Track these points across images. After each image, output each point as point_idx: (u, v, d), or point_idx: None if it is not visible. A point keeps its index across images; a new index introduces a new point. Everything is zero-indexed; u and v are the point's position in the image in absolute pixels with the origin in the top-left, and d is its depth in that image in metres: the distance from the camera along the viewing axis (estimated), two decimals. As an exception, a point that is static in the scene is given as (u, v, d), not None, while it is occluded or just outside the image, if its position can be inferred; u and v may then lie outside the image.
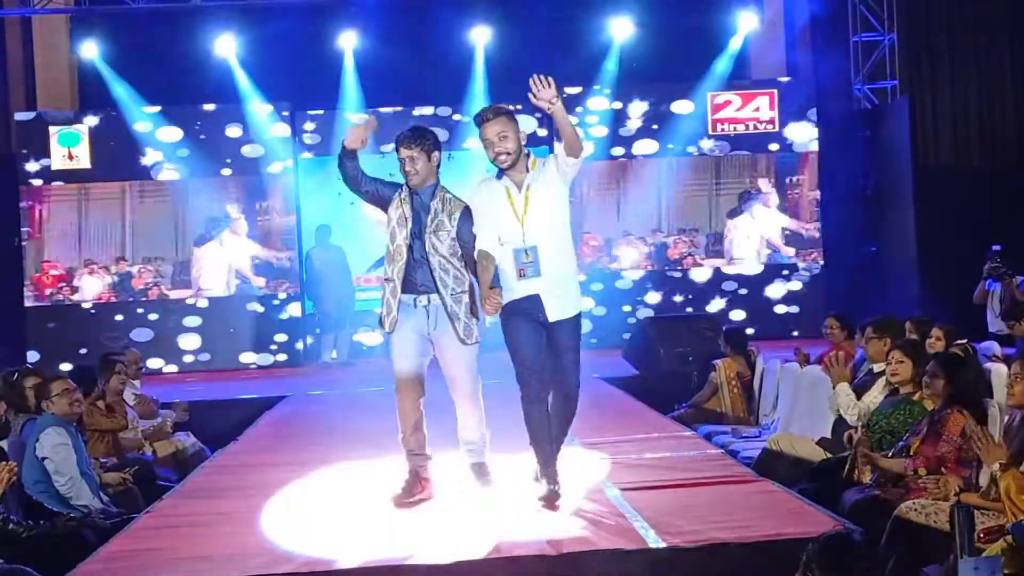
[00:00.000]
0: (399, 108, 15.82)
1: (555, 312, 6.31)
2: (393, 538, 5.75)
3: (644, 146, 16.05)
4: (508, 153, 6.29)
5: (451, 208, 6.59)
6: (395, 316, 6.58)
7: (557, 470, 6.38)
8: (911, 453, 6.41)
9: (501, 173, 6.37)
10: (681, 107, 15.98)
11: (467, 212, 6.55)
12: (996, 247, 12.00)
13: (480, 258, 6.38)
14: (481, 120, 6.35)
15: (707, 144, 16.00)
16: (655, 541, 5.41)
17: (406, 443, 6.69)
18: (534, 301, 6.29)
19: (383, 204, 6.66)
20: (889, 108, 15.78)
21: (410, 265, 6.55)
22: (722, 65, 16.11)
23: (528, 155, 6.40)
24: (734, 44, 16.16)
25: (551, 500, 6.20)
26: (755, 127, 15.97)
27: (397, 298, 6.57)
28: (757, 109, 15.97)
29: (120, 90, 15.68)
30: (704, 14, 16.05)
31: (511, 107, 6.68)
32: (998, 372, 7.47)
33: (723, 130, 15.98)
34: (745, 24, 16.21)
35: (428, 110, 15.95)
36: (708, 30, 16.16)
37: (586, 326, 7.44)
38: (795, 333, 15.32)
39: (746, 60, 16.67)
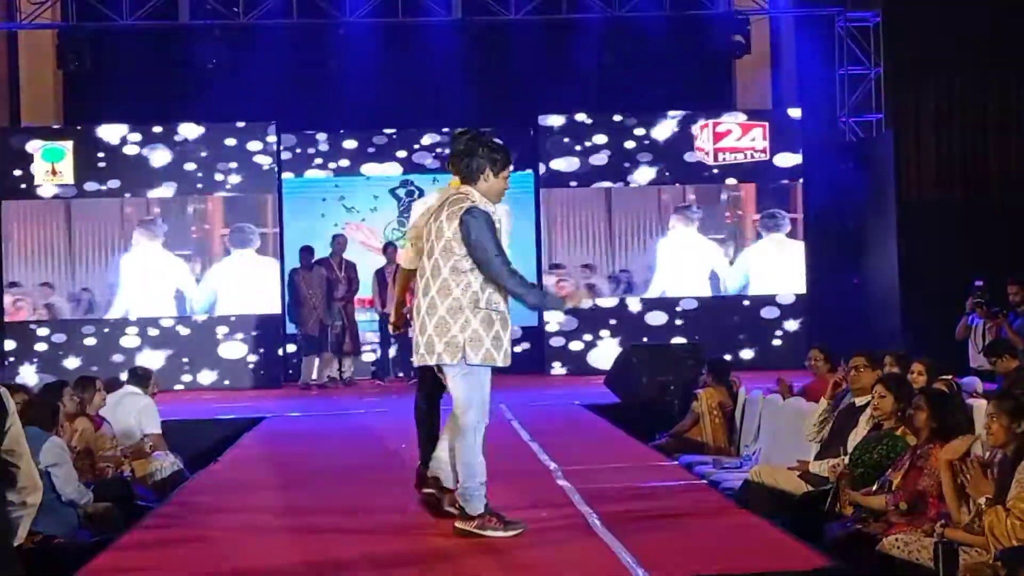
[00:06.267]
0: (384, 131, 15.83)
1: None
2: (371, 563, 5.71)
3: (636, 174, 16.05)
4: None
5: None
6: (508, 350, 6.04)
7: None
8: (893, 488, 6.41)
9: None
10: (669, 135, 15.99)
11: None
12: (979, 282, 12.05)
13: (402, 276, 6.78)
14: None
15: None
16: (641, 573, 5.38)
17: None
18: None
19: None
20: (874, 141, 15.86)
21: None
22: (708, 95, 16.16)
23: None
24: (721, 74, 16.22)
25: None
26: (751, 156, 15.95)
27: (509, 329, 6.05)
28: (753, 139, 15.97)
29: (105, 106, 15.64)
30: (692, 44, 16.09)
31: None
32: (980, 408, 7.48)
33: (724, 160, 15.94)
34: (733, 55, 16.24)
35: (415, 132, 15.98)
36: (696, 60, 16.21)
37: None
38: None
39: (732, 91, 16.74)
